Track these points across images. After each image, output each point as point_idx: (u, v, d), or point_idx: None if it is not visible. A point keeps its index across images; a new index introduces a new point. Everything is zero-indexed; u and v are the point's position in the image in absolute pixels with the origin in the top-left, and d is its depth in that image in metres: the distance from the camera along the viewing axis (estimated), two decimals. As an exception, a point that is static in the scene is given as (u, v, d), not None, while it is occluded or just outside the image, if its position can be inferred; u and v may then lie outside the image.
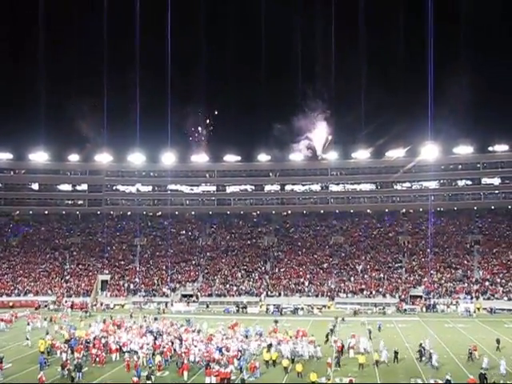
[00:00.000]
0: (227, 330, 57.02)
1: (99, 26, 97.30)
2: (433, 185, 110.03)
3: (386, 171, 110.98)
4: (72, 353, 46.25)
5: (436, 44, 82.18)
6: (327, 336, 52.47)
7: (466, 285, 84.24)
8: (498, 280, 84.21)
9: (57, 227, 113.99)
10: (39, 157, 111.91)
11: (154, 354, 45.29)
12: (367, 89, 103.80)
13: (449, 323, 66.44)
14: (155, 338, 51.06)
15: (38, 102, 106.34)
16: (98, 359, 44.71)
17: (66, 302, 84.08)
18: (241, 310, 79.29)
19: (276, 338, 50.56)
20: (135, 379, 37.16)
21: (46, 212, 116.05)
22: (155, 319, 65.41)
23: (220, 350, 45.10)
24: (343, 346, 47.25)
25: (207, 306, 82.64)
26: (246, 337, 53.93)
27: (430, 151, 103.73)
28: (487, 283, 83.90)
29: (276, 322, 61.44)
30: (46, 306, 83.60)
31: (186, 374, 40.80)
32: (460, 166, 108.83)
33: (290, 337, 51.55)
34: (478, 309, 76.13)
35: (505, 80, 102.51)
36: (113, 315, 67.42)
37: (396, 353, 44.45)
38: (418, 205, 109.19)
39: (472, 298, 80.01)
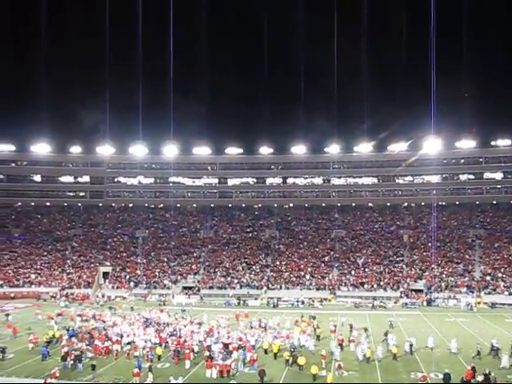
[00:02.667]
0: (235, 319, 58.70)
1: (101, 15, 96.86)
2: (435, 179, 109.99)
3: (388, 165, 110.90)
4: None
5: (438, 37, 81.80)
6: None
7: (467, 279, 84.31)
8: (499, 275, 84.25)
9: (59, 219, 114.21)
10: (41, 148, 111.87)
11: (160, 345, 45.46)
12: (370, 82, 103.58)
13: (449, 317, 66.51)
14: (158, 330, 51.32)
15: (40, 94, 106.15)
16: (101, 351, 44.68)
17: (66, 294, 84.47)
18: (241, 302, 79.44)
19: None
20: (136, 371, 37.22)
21: (48, 204, 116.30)
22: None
23: (216, 343, 45.32)
24: (343, 340, 47.32)
25: (201, 299, 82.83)
26: (251, 327, 54.52)
27: (432, 145, 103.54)
28: (488, 278, 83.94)
29: (302, 316, 60.92)
30: (53, 297, 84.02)
31: (187, 362, 41.24)
32: (462, 161, 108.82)
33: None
34: (479, 303, 76.16)
35: (508, 74, 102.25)
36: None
37: (411, 345, 44.95)
38: (419, 199, 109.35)
39: (473, 293, 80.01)
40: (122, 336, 48.17)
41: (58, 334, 49.80)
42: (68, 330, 51.11)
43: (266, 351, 44.99)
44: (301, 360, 40.33)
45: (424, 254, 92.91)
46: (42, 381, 35.45)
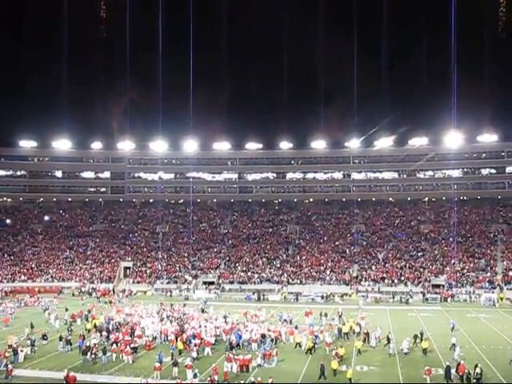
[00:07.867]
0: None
1: (120, 11, 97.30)
2: (456, 173, 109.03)
3: (409, 159, 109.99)
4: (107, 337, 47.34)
5: (459, 31, 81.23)
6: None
7: (489, 274, 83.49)
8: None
9: (80, 214, 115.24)
10: (63, 144, 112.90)
11: (177, 340, 45.61)
12: (390, 77, 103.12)
13: (471, 313, 65.91)
14: (181, 325, 51.65)
15: (61, 90, 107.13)
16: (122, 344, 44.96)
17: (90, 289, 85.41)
18: (262, 297, 79.54)
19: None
20: (157, 365, 37.47)
21: (70, 199, 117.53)
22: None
23: (240, 337, 45.55)
24: (368, 334, 47.06)
25: (213, 293, 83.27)
26: (281, 321, 55.21)
27: (453, 139, 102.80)
28: (511, 273, 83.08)
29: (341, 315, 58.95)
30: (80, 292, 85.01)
31: (207, 349, 42.81)
32: (484, 155, 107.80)
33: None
34: (501, 299, 75.39)
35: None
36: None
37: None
38: (440, 193, 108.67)
39: (495, 288, 79.21)
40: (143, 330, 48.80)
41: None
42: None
43: (297, 345, 45.08)
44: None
45: (445, 248, 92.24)
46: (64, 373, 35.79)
